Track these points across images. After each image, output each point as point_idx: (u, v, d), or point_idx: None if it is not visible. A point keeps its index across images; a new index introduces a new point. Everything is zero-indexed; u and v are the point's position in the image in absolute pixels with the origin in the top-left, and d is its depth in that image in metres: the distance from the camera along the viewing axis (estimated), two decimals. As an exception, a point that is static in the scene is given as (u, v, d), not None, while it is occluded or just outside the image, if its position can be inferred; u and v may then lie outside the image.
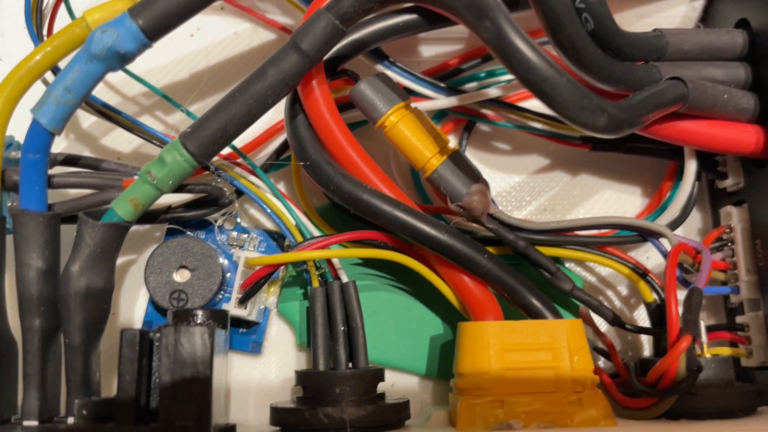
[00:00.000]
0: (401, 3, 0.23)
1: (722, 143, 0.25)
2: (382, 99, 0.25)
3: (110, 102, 0.27)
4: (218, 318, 0.23)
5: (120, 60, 0.22)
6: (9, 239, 0.23)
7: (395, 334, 0.27)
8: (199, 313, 0.23)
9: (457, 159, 0.25)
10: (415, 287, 0.28)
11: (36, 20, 0.24)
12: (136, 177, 0.24)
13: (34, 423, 0.22)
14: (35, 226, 0.22)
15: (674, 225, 0.28)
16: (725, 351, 0.26)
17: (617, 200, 0.30)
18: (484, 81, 0.29)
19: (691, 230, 0.29)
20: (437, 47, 0.30)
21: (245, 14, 0.30)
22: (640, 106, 0.22)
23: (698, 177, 0.28)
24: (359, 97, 0.25)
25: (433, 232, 0.23)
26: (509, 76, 0.29)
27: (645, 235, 0.26)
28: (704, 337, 0.25)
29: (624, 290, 0.29)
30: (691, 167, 0.27)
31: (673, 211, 0.27)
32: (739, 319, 0.27)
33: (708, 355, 0.25)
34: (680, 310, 0.24)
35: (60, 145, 0.29)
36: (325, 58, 0.25)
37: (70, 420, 0.22)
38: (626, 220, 0.26)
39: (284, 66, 0.23)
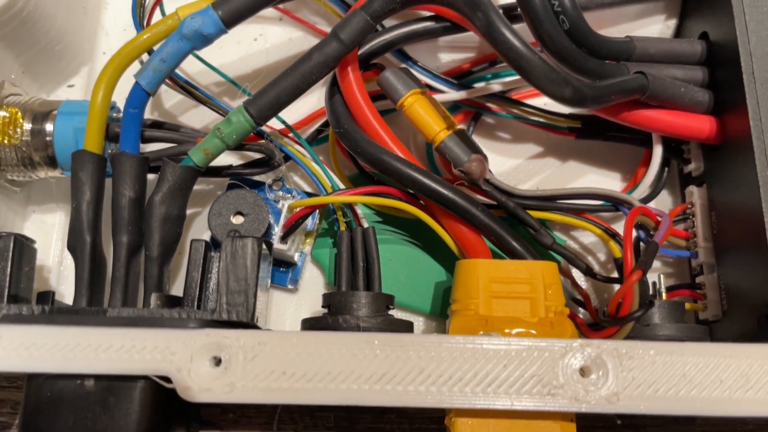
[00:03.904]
0: (418, 3, 0.29)
1: (681, 129, 0.31)
2: (402, 84, 0.31)
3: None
4: (265, 243, 0.29)
5: (202, 40, 0.29)
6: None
7: (406, 279, 0.33)
8: (250, 238, 0.29)
9: (461, 135, 0.31)
10: (424, 242, 0.33)
11: (140, 14, 0.32)
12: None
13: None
14: (130, 165, 0.29)
15: (645, 201, 0.33)
16: (687, 306, 0.31)
17: (600, 182, 0.35)
18: (490, 81, 0.35)
19: (664, 210, 0.34)
20: (453, 54, 0.36)
21: (299, 24, 0.37)
22: (605, 87, 0.28)
23: (667, 163, 0.34)
24: (384, 82, 0.32)
25: (437, 187, 0.29)
26: (510, 78, 0.35)
27: (616, 204, 0.32)
28: (662, 286, 0.30)
29: (603, 256, 0.34)
30: (657, 150, 0.33)
31: (642, 188, 0.33)
32: (698, 280, 0.32)
33: (665, 299, 0.30)
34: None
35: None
36: (360, 53, 0.32)
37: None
38: (599, 190, 0.31)
39: (326, 51, 0.29)
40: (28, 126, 0.30)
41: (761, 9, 0.29)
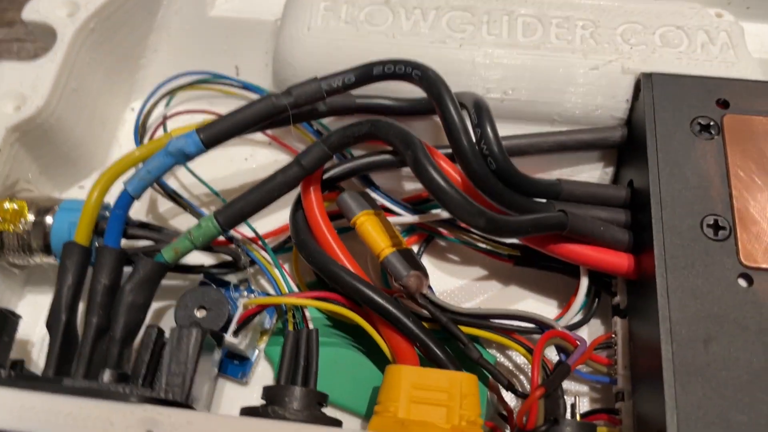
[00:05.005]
0: (366, 140, 0.34)
1: (601, 263, 0.34)
2: (355, 205, 0.36)
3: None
4: (215, 336, 0.33)
5: (184, 157, 0.34)
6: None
7: (348, 381, 0.35)
8: (196, 328, 0.32)
9: (405, 253, 0.35)
10: (369, 349, 0.36)
11: (141, 134, 0.38)
12: (182, 238, 0.36)
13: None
14: (108, 257, 0.33)
15: (573, 328, 0.36)
16: (604, 430, 0.33)
17: (537, 308, 0.38)
18: (443, 210, 0.39)
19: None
20: (414, 184, 0.41)
21: (285, 149, 0.43)
22: (523, 221, 0.32)
23: (599, 295, 0.37)
24: (341, 203, 0.36)
25: (373, 295, 0.33)
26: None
27: (542, 327, 0.34)
28: (578, 407, 0.32)
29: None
30: (584, 282, 0.36)
31: (570, 315, 0.36)
32: (616, 406, 0.34)
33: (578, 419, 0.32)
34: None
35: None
36: (326, 176, 0.37)
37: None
38: (524, 313, 0.34)
39: (288, 173, 0.34)
40: (31, 218, 0.35)
41: (672, 160, 0.33)
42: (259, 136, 0.43)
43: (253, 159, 0.43)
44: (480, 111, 0.33)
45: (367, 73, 0.35)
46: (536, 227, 0.32)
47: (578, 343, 0.33)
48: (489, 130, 0.33)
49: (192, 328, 0.30)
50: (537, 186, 0.34)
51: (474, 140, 0.33)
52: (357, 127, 0.34)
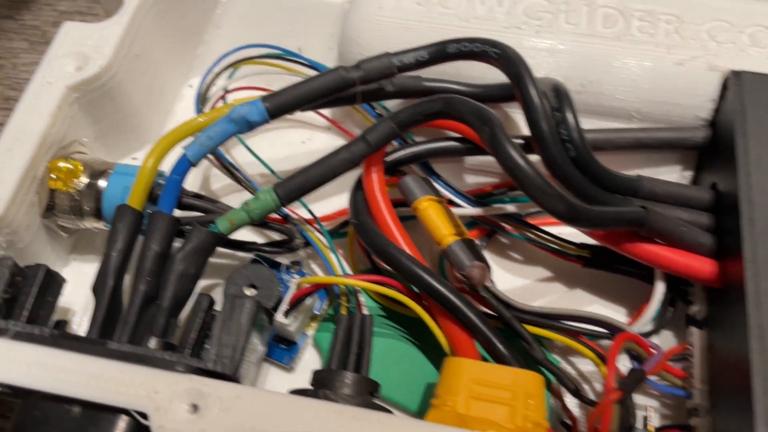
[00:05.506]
0: (438, 119, 0.33)
1: (681, 267, 0.32)
2: (419, 189, 0.34)
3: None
4: (266, 312, 0.31)
5: (247, 126, 0.32)
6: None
7: (399, 375, 0.33)
8: (250, 299, 0.31)
9: (468, 243, 0.33)
10: (424, 344, 0.34)
11: (202, 103, 0.36)
12: (236, 212, 0.34)
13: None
14: (162, 223, 0.32)
15: (644, 337, 0.33)
16: (676, 446, 0.31)
17: (604, 314, 0.35)
18: (508, 204, 0.37)
19: (666, 350, 0.34)
20: (478, 177, 0.39)
21: (343, 133, 0.41)
22: (602, 212, 0.30)
23: (672, 303, 0.34)
24: (404, 186, 0.34)
25: (433, 282, 0.31)
26: (527, 203, 0.37)
27: (612, 331, 0.32)
28: (652, 420, 0.30)
29: (599, 387, 0.34)
30: (659, 287, 0.33)
31: (642, 323, 0.33)
32: (691, 422, 0.31)
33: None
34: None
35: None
36: (389, 159, 0.35)
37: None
38: (595, 315, 0.32)
39: (353, 149, 0.32)
40: (85, 180, 0.34)
41: (764, 159, 0.31)
42: (318, 119, 0.42)
43: (311, 142, 0.42)
44: (560, 95, 0.31)
45: (441, 51, 0.33)
46: (616, 220, 0.30)
47: (652, 350, 0.31)
48: (570, 114, 0.31)
49: (246, 299, 0.28)
50: (616, 179, 0.32)
51: (554, 123, 0.31)
52: (429, 103, 0.32)
